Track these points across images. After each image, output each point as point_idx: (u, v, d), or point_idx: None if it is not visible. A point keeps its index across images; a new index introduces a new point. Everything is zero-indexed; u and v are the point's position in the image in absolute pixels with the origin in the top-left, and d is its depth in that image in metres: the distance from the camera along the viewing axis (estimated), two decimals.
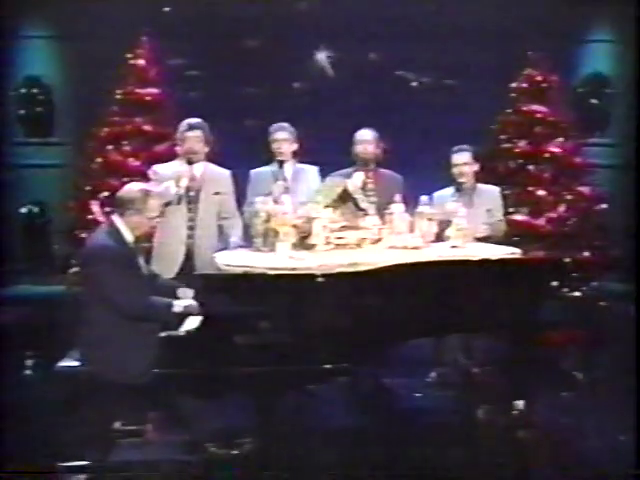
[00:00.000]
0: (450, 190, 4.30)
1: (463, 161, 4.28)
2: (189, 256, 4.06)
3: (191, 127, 4.11)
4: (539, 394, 3.88)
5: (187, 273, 3.88)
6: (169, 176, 4.04)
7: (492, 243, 3.92)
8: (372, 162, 4.34)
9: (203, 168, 4.16)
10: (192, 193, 4.09)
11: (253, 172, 4.36)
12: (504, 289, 3.48)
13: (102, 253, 3.17)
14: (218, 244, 4.03)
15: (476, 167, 4.32)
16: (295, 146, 4.32)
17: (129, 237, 3.26)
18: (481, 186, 4.35)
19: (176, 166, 4.16)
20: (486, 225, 4.15)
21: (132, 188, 3.31)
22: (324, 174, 4.25)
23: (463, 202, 4.07)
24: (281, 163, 4.28)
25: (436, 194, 4.23)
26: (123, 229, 3.24)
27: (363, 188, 4.06)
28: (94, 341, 3.18)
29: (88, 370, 3.17)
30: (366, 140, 4.35)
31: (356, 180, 4.11)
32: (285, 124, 4.32)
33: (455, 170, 4.28)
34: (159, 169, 4.18)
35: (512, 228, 5.96)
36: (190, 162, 4.11)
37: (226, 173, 4.23)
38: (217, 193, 4.13)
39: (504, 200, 6.04)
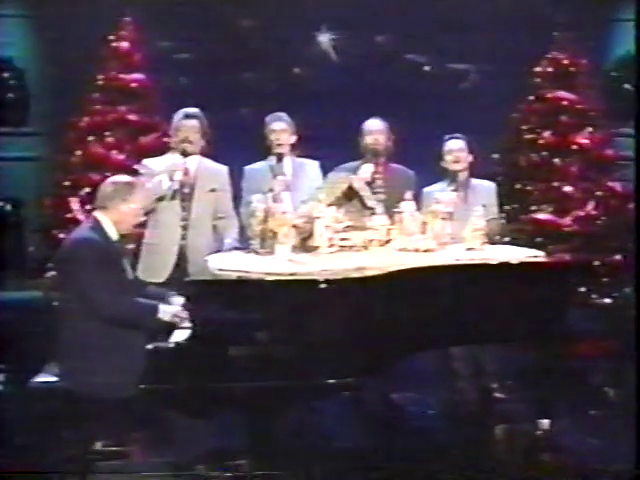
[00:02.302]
0: (442, 185, 4.33)
1: (458, 147, 4.33)
2: (181, 259, 4.08)
3: (188, 116, 4.16)
4: (566, 412, 3.89)
5: (178, 278, 3.90)
6: (161, 170, 4.06)
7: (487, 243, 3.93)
8: (382, 155, 4.36)
9: (198, 162, 4.19)
10: (186, 189, 4.11)
11: (247, 168, 4.38)
12: (526, 296, 3.49)
13: (82, 247, 3.20)
14: (212, 246, 4.04)
15: (470, 158, 4.37)
16: (293, 138, 4.34)
17: (113, 234, 3.30)
18: (475, 181, 4.39)
19: (168, 159, 4.18)
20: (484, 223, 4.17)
21: (114, 180, 3.38)
22: (326, 169, 4.25)
23: (457, 196, 4.11)
24: (280, 157, 4.30)
25: (426, 190, 4.27)
26: (107, 225, 3.29)
27: (371, 183, 4.09)
28: (73, 353, 3.20)
29: (67, 385, 3.18)
30: (377, 130, 4.37)
31: (365, 173, 4.13)
32: (282, 114, 4.34)
33: (449, 157, 4.32)
34: (149, 163, 4.20)
35: (535, 228, 6.05)
36: (185, 154, 4.13)
37: (223, 169, 4.26)
38: (213, 190, 4.15)
39: (528, 197, 6.17)
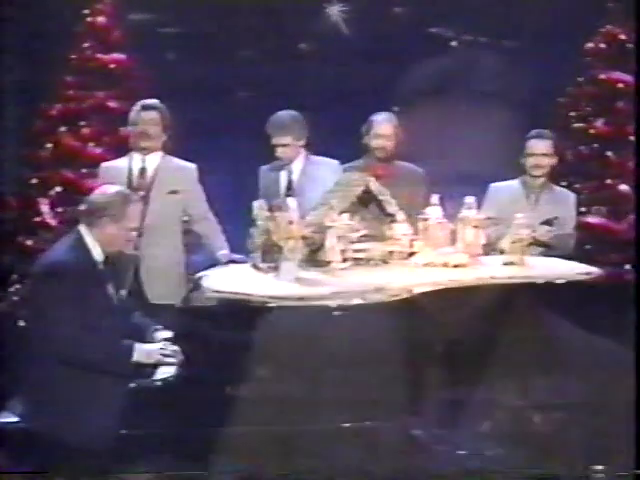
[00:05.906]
0: (513, 183, 4.34)
1: (542, 151, 4.34)
2: (135, 275, 4.08)
3: (145, 107, 4.24)
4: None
5: (138, 298, 3.89)
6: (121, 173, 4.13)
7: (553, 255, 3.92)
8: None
9: (158, 161, 4.24)
10: (142, 192, 4.11)
11: (263, 168, 4.43)
12: (578, 318, 3.46)
13: (58, 270, 3.16)
14: (174, 257, 4.11)
15: (554, 161, 4.39)
16: (304, 134, 4.35)
17: (98, 255, 3.27)
18: (555, 188, 4.44)
19: (124, 162, 4.24)
20: (551, 231, 4.12)
21: (107, 191, 3.35)
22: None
23: (526, 201, 4.14)
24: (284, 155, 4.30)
25: (493, 185, 4.29)
26: (92, 244, 3.26)
27: None
28: (41, 389, 3.16)
29: (32, 429, 3.14)
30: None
31: None
32: (283, 112, 4.34)
33: (530, 161, 4.34)
34: (109, 166, 4.31)
35: (584, 234, 5.98)
36: (143, 150, 4.19)
37: (189, 167, 4.30)
38: (174, 192, 4.19)
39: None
